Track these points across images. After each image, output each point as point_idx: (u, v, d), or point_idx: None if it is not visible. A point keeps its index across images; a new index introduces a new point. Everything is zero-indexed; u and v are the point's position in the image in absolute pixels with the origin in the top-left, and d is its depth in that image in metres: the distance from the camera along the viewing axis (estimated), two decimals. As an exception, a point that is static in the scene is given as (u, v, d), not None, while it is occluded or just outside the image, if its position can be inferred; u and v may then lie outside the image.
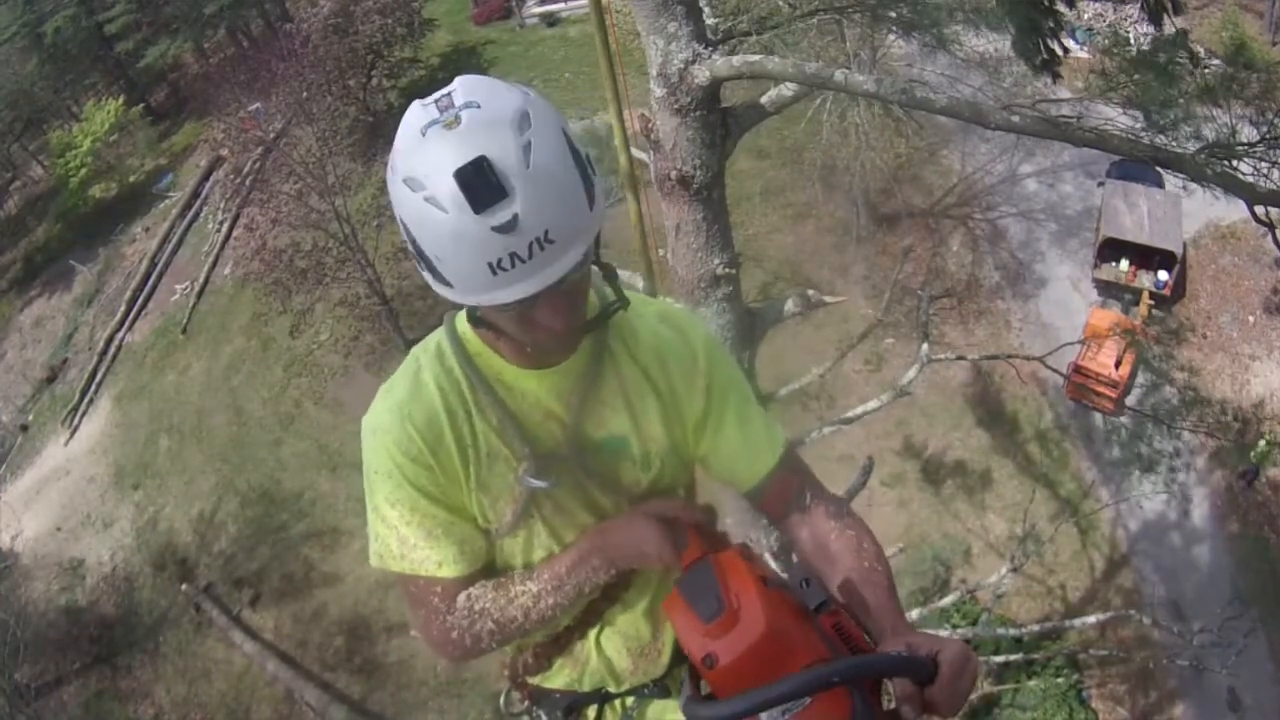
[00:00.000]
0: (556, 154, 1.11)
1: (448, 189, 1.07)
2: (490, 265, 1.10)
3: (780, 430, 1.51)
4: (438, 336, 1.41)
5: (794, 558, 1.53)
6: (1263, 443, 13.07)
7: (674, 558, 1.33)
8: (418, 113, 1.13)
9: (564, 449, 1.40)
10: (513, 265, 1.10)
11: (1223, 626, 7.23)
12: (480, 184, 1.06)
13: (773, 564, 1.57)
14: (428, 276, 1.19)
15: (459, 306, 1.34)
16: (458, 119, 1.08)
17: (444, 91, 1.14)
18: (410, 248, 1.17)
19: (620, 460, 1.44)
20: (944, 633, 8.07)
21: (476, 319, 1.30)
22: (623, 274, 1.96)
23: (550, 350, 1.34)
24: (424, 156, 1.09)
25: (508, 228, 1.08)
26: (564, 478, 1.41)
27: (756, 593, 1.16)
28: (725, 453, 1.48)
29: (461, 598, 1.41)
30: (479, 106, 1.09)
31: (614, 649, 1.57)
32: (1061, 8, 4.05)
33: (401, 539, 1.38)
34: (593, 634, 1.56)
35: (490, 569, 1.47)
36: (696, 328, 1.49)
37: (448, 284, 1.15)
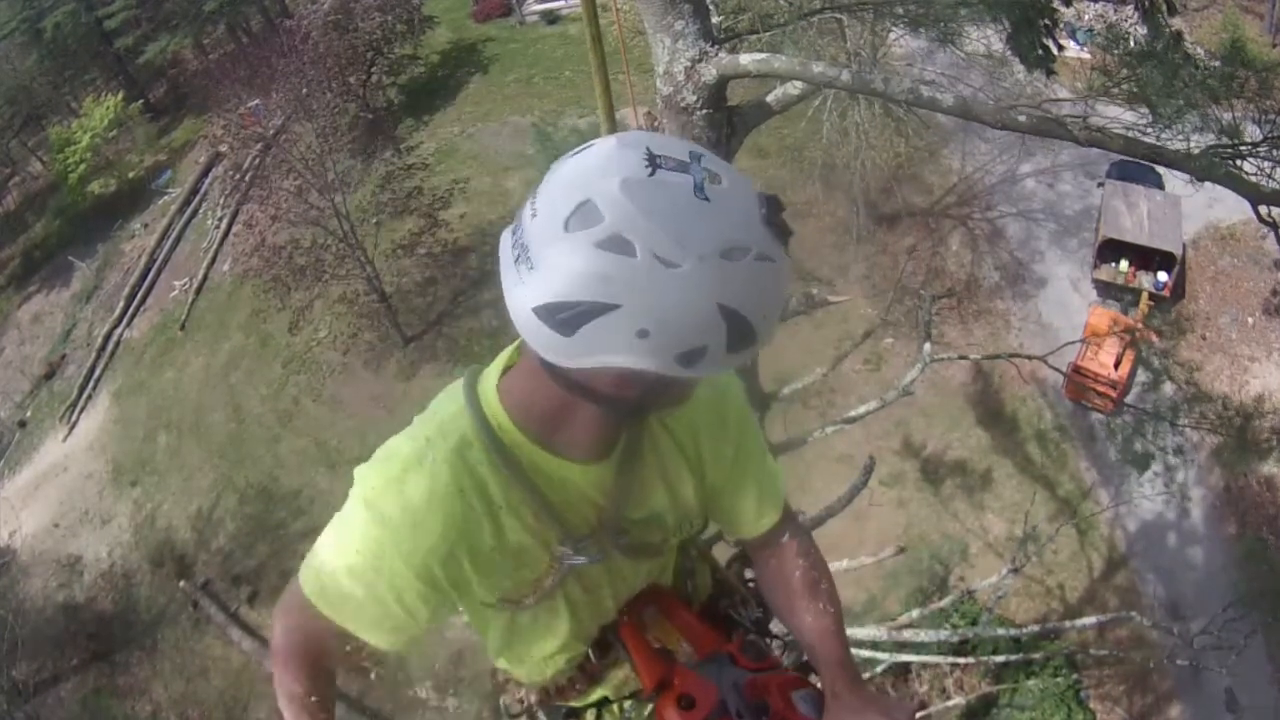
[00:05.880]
0: None
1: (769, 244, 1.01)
2: None
3: (782, 481, 1.54)
4: (461, 425, 1.23)
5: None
6: None
7: None
8: (682, 186, 0.98)
9: (599, 530, 1.35)
10: None
11: (1223, 628, 7.20)
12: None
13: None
14: (656, 360, 1.00)
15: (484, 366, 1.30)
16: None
17: (676, 157, 1.00)
18: (675, 330, 0.99)
19: (652, 529, 1.43)
20: (943, 634, 8.04)
21: (573, 384, 1.11)
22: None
23: (666, 414, 1.32)
24: (731, 220, 0.99)
25: None
26: (598, 553, 1.37)
27: None
28: (735, 511, 1.52)
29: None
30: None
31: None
32: (1058, 5, 4.05)
33: (343, 589, 1.28)
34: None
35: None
36: (732, 388, 1.44)
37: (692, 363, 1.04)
